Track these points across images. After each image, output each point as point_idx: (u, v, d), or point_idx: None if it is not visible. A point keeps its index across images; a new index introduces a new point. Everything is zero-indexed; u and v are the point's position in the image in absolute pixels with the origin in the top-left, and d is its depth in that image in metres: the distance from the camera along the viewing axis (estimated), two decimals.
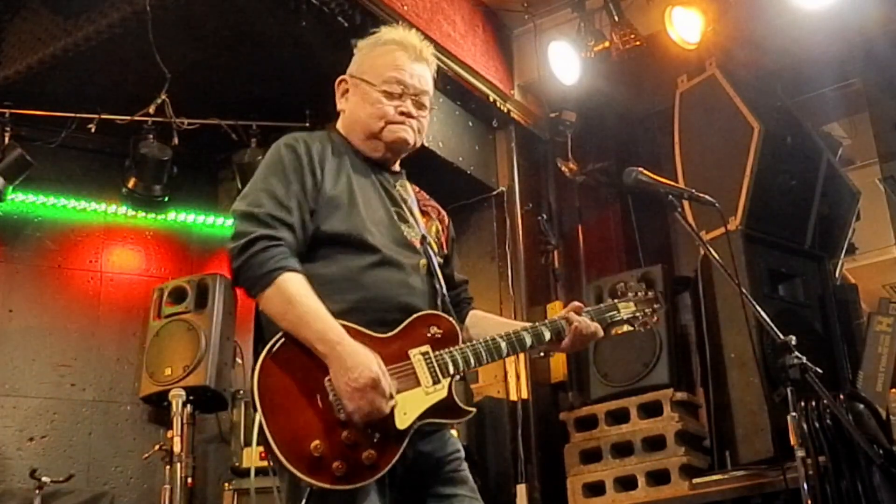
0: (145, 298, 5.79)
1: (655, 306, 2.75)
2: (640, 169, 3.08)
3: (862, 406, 4.33)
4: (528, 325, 2.57)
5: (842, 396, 4.35)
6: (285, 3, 4.73)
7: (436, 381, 2.32)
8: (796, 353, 2.82)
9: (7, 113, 5.40)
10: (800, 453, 3.01)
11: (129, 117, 5.42)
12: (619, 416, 5.18)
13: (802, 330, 4.65)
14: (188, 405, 4.99)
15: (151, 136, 5.53)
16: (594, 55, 5.52)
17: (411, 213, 2.56)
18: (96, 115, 5.40)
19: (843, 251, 5.64)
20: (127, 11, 4.79)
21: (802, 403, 4.12)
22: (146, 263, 6.10)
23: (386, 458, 2.22)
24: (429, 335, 2.38)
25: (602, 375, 5.31)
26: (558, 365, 5.70)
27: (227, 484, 5.24)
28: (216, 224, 6.27)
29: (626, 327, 2.75)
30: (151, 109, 5.27)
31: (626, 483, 5.03)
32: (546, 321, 2.57)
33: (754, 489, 4.61)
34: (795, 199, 5.30)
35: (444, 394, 2.32)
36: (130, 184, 5.71)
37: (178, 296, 5.60)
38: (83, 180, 5.96)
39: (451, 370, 2.35)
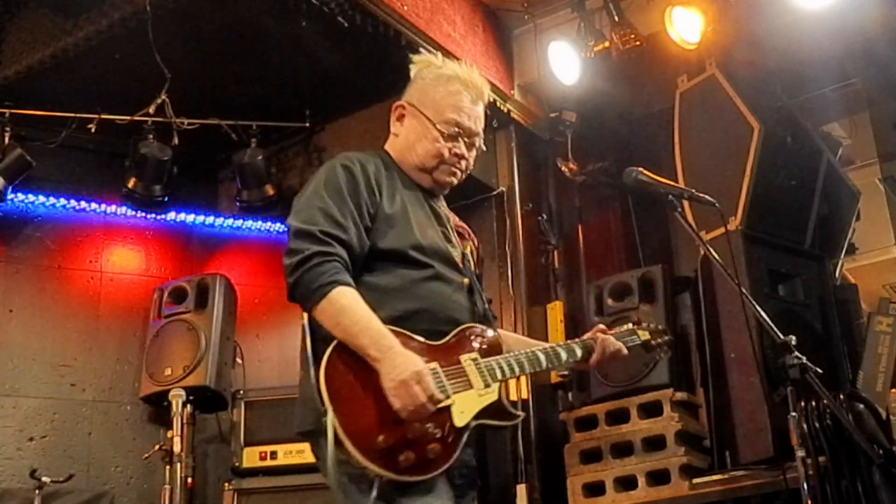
0: (145, 298, 5.80)
1: (665, 338, 3.06)
2: (640, 169, 3.08)
3: (862, 406, 4.32)
4: (559, 342, 2.74)
5: (842, 396, 4.34)
6: (285, 4, 4.73)
7: (486, 385, 2.46)
8: (796, 353, 2.82)
9: (7, 113, 5.39)
10: (800, 453, 3.00)
11: (129, 117, 5.42)
12: (619, 416, 5.17)
13: (802, 330, 4.65)
14: (188, 405, 5.01)
15: (151, 136, 5.53)
16: (594, 55, 5.51)
17: (454, 233, 2.71)
18: (96, 115, 5.40)
19: (843, 251, 5.63)
20: (127, 11, 4.78)
21: (802, 403, 4.11)
22: (146, 263, 6.10)
23: (447, 453, 2.34)
24: (476, 345, 2.53)
25: (602, 375, 5.30)
26: None
27: (227, 484, 5.26)
28: (216, 224, 6.27)
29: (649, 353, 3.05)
30: (151, 109, 5.27)
31: (626, 483, 5.02)
32: (577, 340, 2.78)
33: (754, 489, 4.60)
34: (795, 199, 5.29)
35: (494, 396, 2.47)
36: (130, 184, 5.70)
37: (178, 296, 5.61)
38: (83, 180, 5.96)
39: (499, 375, 2.50)
